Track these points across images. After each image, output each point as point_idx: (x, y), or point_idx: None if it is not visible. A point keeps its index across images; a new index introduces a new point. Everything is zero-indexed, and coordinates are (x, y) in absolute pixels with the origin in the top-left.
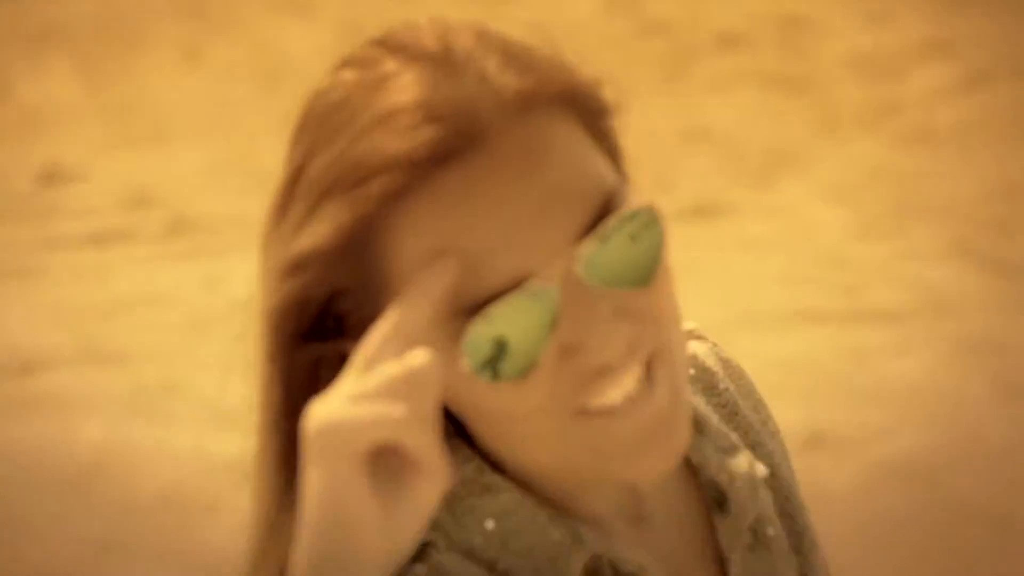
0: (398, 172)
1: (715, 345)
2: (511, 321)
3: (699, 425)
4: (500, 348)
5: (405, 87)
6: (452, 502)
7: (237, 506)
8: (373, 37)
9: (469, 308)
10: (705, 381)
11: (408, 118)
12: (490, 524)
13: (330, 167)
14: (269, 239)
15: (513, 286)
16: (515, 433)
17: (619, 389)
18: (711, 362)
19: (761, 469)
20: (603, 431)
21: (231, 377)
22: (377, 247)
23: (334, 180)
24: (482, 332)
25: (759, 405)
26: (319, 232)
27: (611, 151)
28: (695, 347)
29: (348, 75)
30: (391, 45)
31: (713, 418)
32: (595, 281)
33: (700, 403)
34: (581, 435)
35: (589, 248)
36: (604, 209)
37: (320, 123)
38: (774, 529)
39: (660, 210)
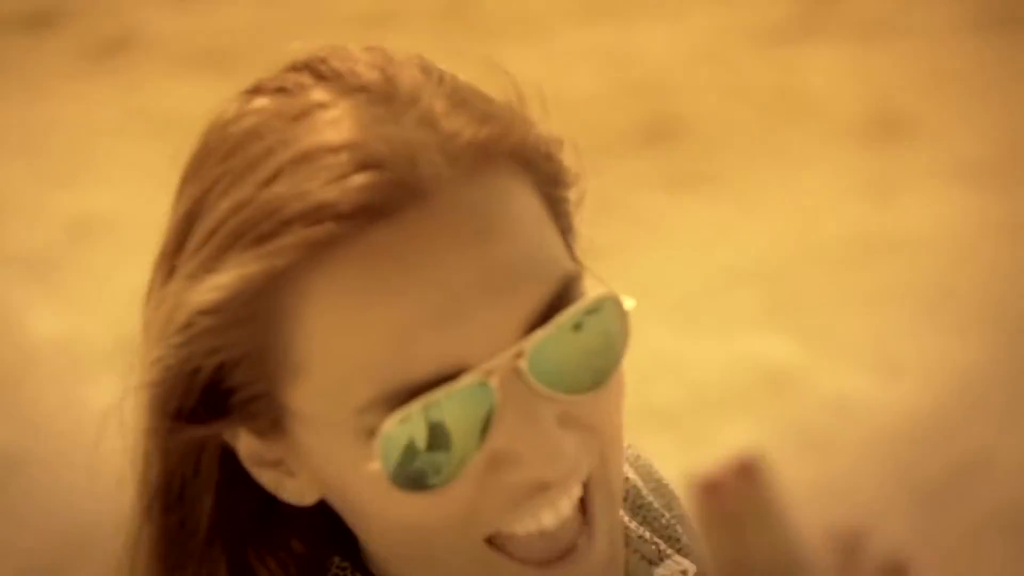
0: (320, 224)
1: None
2: (440, 422)
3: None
4: (422, 451)
5: (337, 122)
6: None
7: None
8: (294, 61)
9: (387, 399)
10: None
11: (338, 160)
12: None
13: (237, 211)
14: (151, 299)
15: (443, 379)
16: (412, 550)
17: (553, 512)
18: None
19: (692, 568)
20: (519, 572)
21: None
22: (283, 311)
23: (241, 227)
24: (402, 431)
25: (672, 503)
26: (218, 287)
27: (565, 229)
28: None
29: (263, 103)
30: (320, 72)
31: (632, 525)
32: (542, 381)
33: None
34: (491, 570)
35: (539, 342)
36: (559, 297)
37: (225, 157)
38: None
39: (624, 301)
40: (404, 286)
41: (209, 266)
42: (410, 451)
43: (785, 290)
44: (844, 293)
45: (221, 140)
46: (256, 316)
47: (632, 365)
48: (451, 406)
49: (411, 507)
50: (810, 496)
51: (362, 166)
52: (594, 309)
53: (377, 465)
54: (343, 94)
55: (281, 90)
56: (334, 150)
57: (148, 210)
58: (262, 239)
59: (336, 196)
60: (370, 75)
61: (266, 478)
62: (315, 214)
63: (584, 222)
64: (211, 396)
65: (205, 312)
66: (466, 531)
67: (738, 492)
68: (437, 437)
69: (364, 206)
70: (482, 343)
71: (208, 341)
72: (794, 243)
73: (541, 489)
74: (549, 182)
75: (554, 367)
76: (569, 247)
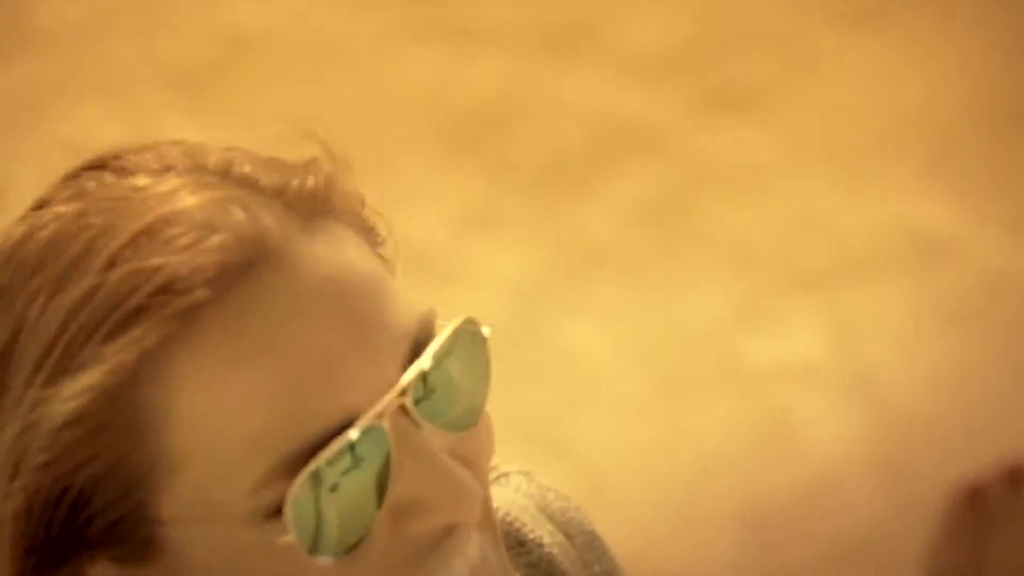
0: (184, 295)
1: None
2: (344, 477)
3: None
4: (333, 510)
5: (168, 195)
6: None
7: (632, 169)
8: (78, 169)
9: (283, 467)
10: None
11: (182, 229)
12: None
13: (77, 310)
14: None
15: (337, 431)
16: None
17: (462, 559)
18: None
19: None
20: None
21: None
22: (152, 404)
23: (91, 322)
24: (310, 493)
25: (603, 558)
26: (83, 390)
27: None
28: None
29: (59, 210)
30: (121, 167)
31: None
32: (429, 416)
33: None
34: None
35: (416, 375)
36: (423, 335)
37: (33, 274)
38: None
39: (482, 328)
40: (274, 345)
41: (56, 378)
42: (323, 511)
43: (948, 149)
44: (1012, 157)
45: (19, 263)
46: (124, 415)
47: (779, 225)
48: (346, 459)
49: None
50: (951, 377)
51: (210, 230)
52: (460, 335)
53: (291, 537)
54: (159, 174)
55: (78, 195)
56: (174, 220)
57: (305, 27)
58: (120, 327)
59: (192, 264)
60: (173, 156)
61: None
62: (174, 286)
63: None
64: (71, 527)
65: (71, 423)
66: None
67: (1002, 498)
68: (344, 492)
69: (222, 269)
70: (365, 391)
71: (77, 455)
72: (964, 97)
73: (447, 533)
74: (369, 236)
75: (437, 402)
76: None
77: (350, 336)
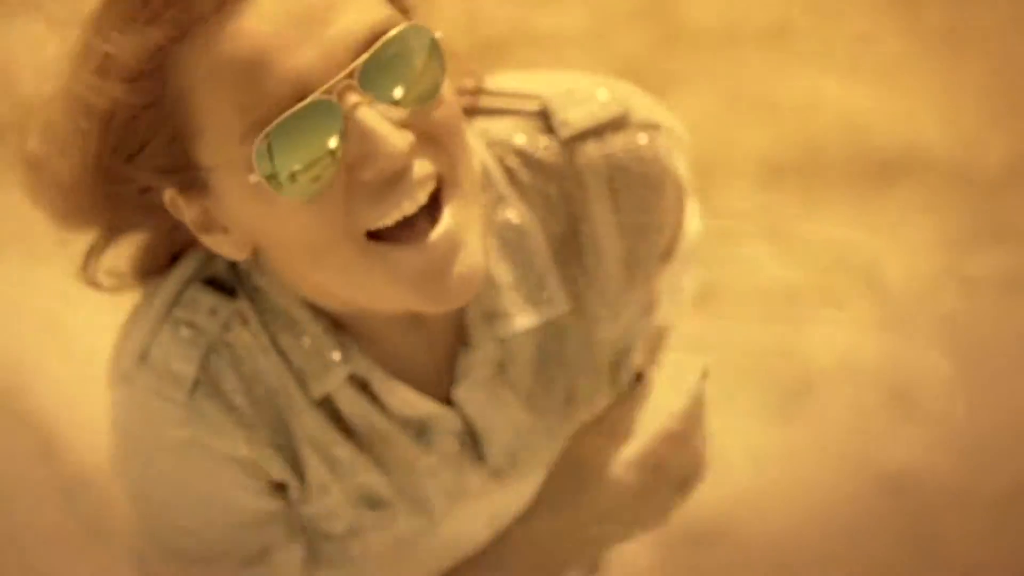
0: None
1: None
2: (297, 131)
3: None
4: (291, 155)
5: None
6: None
7: None
8: None
9: (257, 125)
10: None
11: None
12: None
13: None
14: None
15: (295, 98)
16: (318, 267)
17: (411, 201)
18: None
19: (522, 324)
20: (393, 261)
21: None
22: (179, 82)
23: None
24: (266, 150)
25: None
26: (140, 41)
27: None
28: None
29: None
30: None
31: (500, 269)
32: (373, 92)
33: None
34: (374, 264)
35: (364, 61)
36: (382, 29)
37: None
38: (521, 374)
39: (433, 31)
40: (247, 24)
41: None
42: (280, 161)
43: None
44: None
45: None
46: (163, 84)
47: None
48: (306, 119)
49: (303, 223)
50: None
51: None
52: (409, 33)
53: (254, 176)
54: None
55: None
56: None
57: None
58: (149, 21)
59: None
60: None
61: (209, 241)
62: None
63: None
64: (136, 143)
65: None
66: (349, 230)
67: None
68: (303, 149)
69: None
70: (322, 64)
71: (143, 93)
72: None
73: (392, 181)
74: None
75: (383, 82)
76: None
77: (305, 12)
